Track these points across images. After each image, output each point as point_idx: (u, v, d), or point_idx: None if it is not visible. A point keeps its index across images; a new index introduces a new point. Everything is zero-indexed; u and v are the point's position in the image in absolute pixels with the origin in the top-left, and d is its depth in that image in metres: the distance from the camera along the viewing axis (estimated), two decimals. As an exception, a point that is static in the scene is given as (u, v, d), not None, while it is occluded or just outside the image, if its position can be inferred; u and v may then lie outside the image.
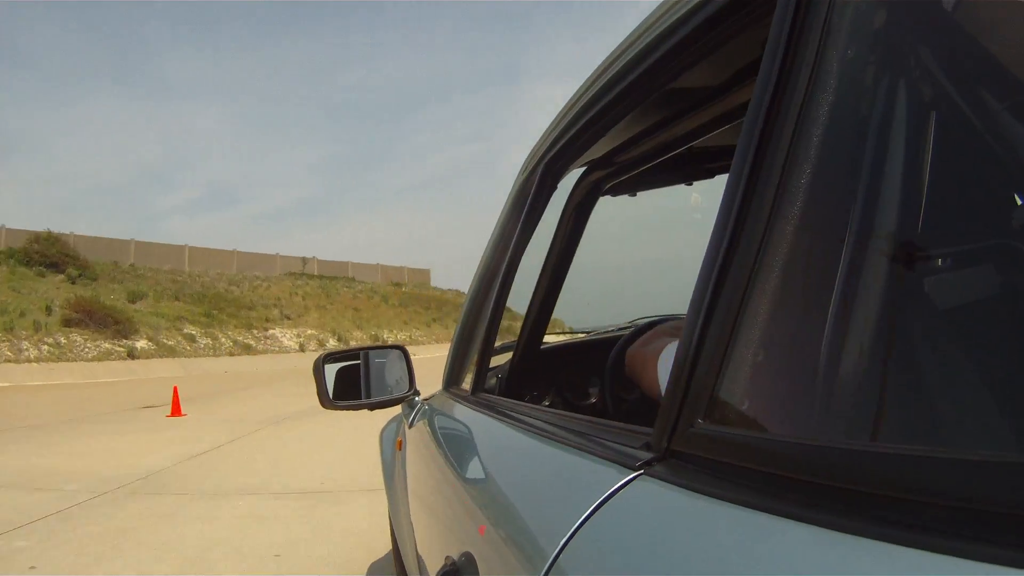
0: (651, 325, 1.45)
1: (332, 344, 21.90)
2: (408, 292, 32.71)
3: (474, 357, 1.31)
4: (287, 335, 22.25)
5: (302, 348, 21.27)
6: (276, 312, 23.49)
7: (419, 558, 1.27)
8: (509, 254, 1.18)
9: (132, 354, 16.73)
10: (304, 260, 30.55)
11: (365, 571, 2.68)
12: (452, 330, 1.56)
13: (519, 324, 1.33)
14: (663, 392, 1.01)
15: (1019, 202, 0.32)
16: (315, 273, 30.26)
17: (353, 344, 21.14)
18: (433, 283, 39.39)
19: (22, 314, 15.94)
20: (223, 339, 19.92)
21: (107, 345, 16.56)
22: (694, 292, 0.47)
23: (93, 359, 15.79)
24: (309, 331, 22.99)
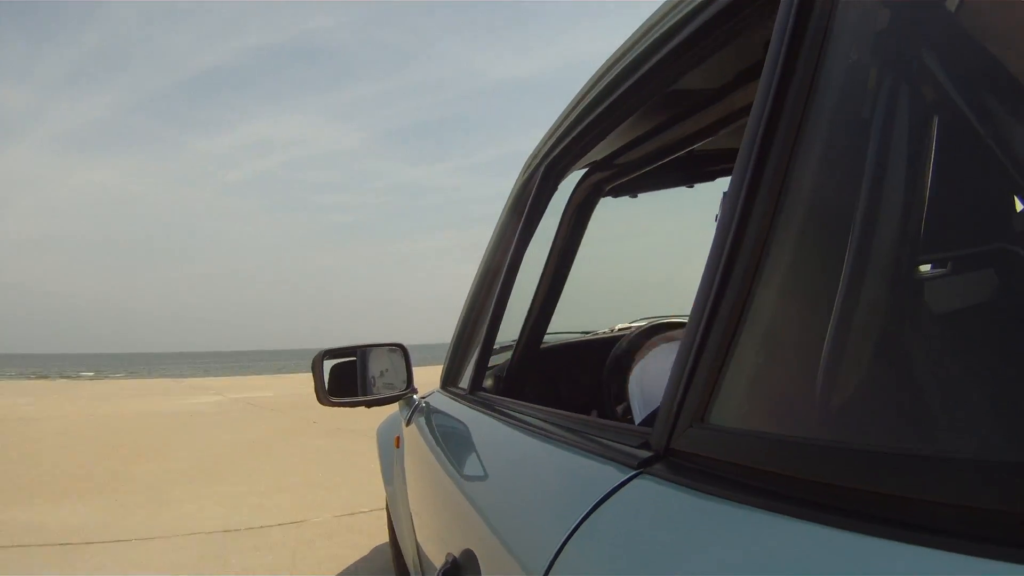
0: (652, 328, 1.46)
1: None
2: None
3: (473, 356, 1.31)
4: None
5: None
6: None
7: (420, 556, 1.27)
8: (510, 254, 1.19)
9: None
10: None
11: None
12: None
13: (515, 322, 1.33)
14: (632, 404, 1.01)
15: (1020, 207, 0.32)
16: None
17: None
18: None
19: None
20: None
21: None
22: (697, 293, 0.47)
23: None
24: None
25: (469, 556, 0.73)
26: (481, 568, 0.68)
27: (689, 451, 0.46)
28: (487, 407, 1.07)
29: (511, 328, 1.29)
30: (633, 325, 1.67)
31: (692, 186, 1.40)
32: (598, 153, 1.15)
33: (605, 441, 0.60)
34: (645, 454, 0.50)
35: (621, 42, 0.79)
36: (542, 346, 1.36)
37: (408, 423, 1.58)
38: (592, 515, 0.49)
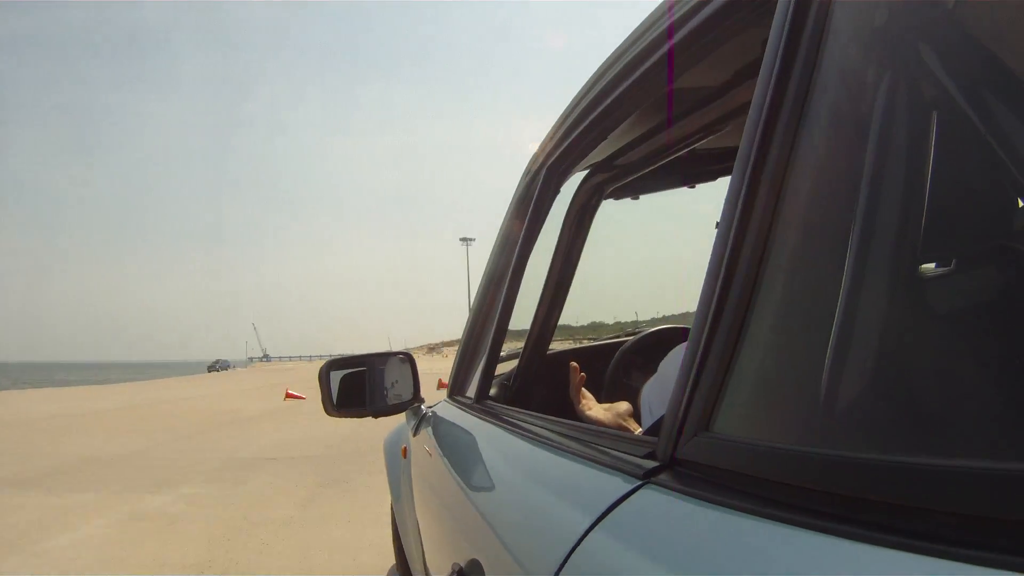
0: (653, 335, 1.45)
1: None
2: None
3: (479, 365, 1.31)
4: None
5: None
6: None
7: (426, 566, 1.26)
8: (514, 260, 1.18)
9: None
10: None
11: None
12: None
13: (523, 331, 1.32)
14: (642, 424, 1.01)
15: (1020, 204, 0.31)
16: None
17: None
18: None
19: None
20: None
21: None
22: (699, 300, 0.47)
23: None
24: None
25: (475, 566, 0.72)
26: None
27: (695, 461, 0.45)
28: (493, 417, 1.06)
29: (518, 334, 1.28)
30: (639, 332, 1.65)
31: (693, 186, 1.39)
32: (599, 154, 1.15)
33: (611, 451, 0.59)
34: (651, 464, 0.50)
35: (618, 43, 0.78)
36: (548, 352, 1.35)
37: (415, 433, 1.58)
38: (598, 525, 0.49)
